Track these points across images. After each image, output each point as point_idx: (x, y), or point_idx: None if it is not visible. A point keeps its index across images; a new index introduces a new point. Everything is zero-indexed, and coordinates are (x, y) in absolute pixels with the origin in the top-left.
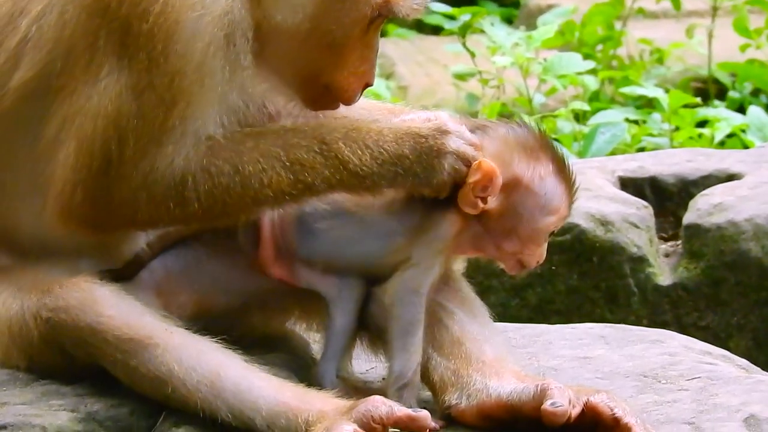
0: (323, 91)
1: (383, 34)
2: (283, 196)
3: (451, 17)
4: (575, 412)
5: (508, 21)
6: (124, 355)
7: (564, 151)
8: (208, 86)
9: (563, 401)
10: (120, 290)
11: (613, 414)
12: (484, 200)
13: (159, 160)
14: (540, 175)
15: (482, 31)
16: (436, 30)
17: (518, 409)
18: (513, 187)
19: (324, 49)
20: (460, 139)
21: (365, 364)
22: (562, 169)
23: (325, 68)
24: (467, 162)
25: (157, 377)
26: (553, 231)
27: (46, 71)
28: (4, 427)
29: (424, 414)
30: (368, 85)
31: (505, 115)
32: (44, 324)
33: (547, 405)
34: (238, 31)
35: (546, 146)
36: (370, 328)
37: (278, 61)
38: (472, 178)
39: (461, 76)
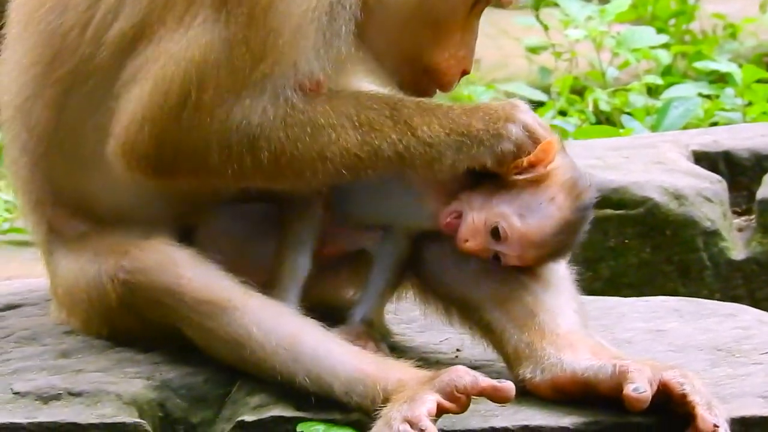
0: (422, 73)
1: None
2: (349, 157)
3: None
4: (653, 392)
5: None
6: (201, 317)
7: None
8: (302, 48)
9: (645, 386)
10: (198, 253)
11: (683, 390)
12: (521, 172)
13: (236, 110)
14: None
15: (555, 5)
16: None
17: (594, 386)
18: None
19: (428, 27)
20: (530, 114)
21: (438, 334)
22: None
23: (427, 48)
24: (534, 138)
25: (235, 340)
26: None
27: (142, 22)
28: (79, 393)
29: (509, 385)
30: (466, 72)
31: (578, 88)
32: (121, 286)
33: (629, 390)
34: (344, 0)
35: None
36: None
37: (381, 37)
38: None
39: (534, 50)
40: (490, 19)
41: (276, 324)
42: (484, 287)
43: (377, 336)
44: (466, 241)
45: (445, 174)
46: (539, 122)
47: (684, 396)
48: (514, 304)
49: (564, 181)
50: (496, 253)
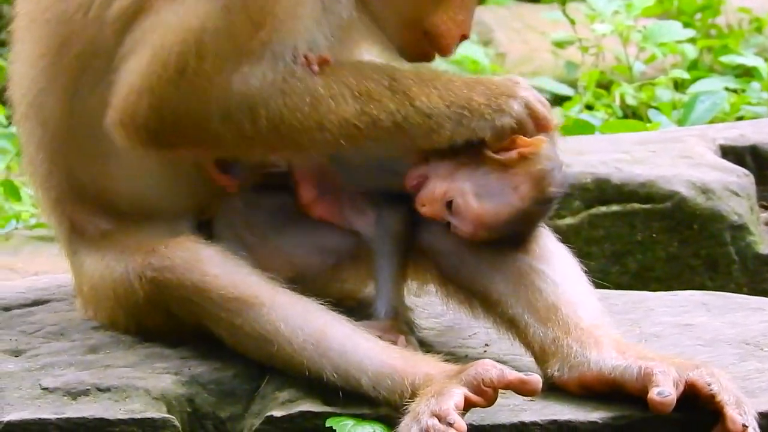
0: (422, 37)
1: (481, 2)
2: (348, 127)
3: None
4: (679, 392)
5: None
6: (228, 314)
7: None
8: (300, 15)
9: (670, 389)
10: (225, 250)
11: (710, 390)
12: (497, 151)
13: (235, 77)
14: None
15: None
16: None
17: (620, 386)
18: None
19: None
20: (531, 92)
21: (467, 329)
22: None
23: (426, 11)
24: (534, 114)
25: (262, 336)
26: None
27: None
28: (107, 389)
29: (536, 378)
30: (465, 36)
31: (604, 83)
32: (149, 284)
33: (654, 394)
34: None
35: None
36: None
37: (381, 1)
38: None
39: (560, 44)
40: (516, 13)
41: (303, 320)
42: (502, 280)
43: (405, 328)
44: (423, 205)
45: (444, 145)
46: (540, 99)
47: (712, 396)
48: (535, 297)
49: (533, 172)
50: (450, 224)
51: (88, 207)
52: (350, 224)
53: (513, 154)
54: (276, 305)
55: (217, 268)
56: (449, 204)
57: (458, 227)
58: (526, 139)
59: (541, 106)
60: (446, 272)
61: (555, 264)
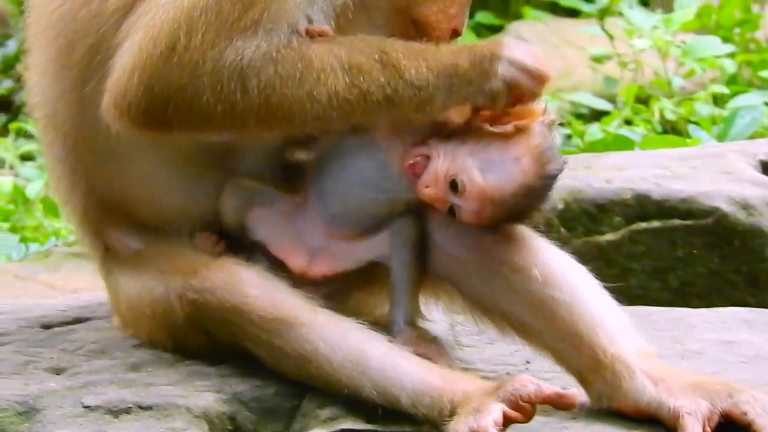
0: (410, 27)
1: (518, 17)
2: (338, 99)
3: (589, 0)
4: (713, 424)
5: (644, 3)
6: (268, 335)
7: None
8: None
9: None
10: (265, 271)
11: (747, 419)
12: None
13: (228, 51)
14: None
15: (620, 14)
16: (571, 12)
17: (656, 417)
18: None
19: None
20: (518, 49)
21: (508, 346)
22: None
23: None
24: (526, 70)
25: (302, 356)
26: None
27: None
28: (149, 407)
29: (573, 392)
30: (456, 32)
31: (643, 97)
32: (189, 305)
33: None
34: None
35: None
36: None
37: None
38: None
39: (598, 59)
40: (554, 28)
41: (342, 338)
42: (523, 309)
43: (429, 336)
44: (427, 187)
45: (437, 115)
46: (529, 52)
47: (749, 424)
48: (564, 324)
49: (533, 146)
50: (452, 207)
51: (112, 220)
52: (359, 261)
53: (509, 126)
54: (315, 325)
55: (258, 289)
56: (453, 183)
57: (463, 208)
58: (520, 109)
59: (531, 59)
60: (470, 298)
61: (571, 286)
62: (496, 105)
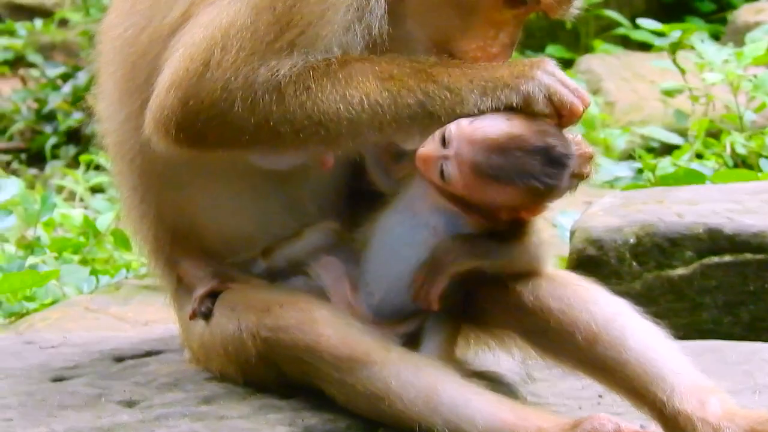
0: None
1: (589, 50)
2: (369, 103)
3: (661, 34)
4: None
5: (715, 37)
6: (340, 373)
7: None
8: (327, 19)
9: None
10: (338, 310)
11: None
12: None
13: (262, 69)
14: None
15: (691, 48)
16: (642, 46)
17: None
18: None
19: (453, 9)
20: (553, 76)
21: (580, 380)
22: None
23: (455, 35)
24: (565, 84)
25: (374, 393)
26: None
27: (189, 6)
28: None
29: (652, 430)
30: None
31: (714, 131)
32: (262, 343)
33: None
34: None
35: None
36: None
37: (413, 16)
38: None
39: (669, 93)
40: (625, 62)
41: (414, 376)
42: (582, 358)
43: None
44: (423, 147)
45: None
46: (563, 81)
47: None
48: (623, 380)
49: (531, 120)
50: (441, 169)
51: (182, 248)
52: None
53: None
54: (387, 362)
55: (330, 329)
56: (443, 136)
57: (450, 162)
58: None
59: (563, 88)
60: (533, 348)
61: (622, 339)
62: (531, 108)
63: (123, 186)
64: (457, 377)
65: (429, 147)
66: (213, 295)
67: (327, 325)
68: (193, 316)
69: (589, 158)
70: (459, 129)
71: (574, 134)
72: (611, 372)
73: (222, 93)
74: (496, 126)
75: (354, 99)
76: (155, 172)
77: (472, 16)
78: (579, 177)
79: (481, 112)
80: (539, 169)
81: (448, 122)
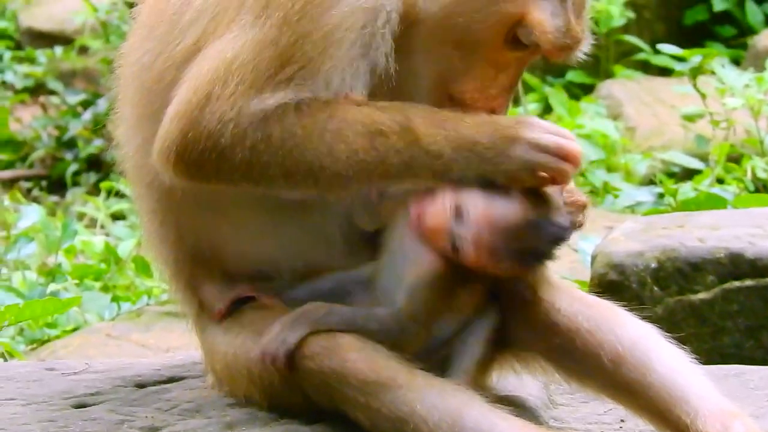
0: (447, 101)
1: (610, 75)
2: (356, 159)
3: (681, 59)
4: None
5: (735, 62)
6: (366, 397)
7: None
8: (330, 55)
9: None
10: (363, 336)
11: None
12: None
13: (255, 102)
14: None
15: (712, 73)
16: (663, 71)
17: None
18: None
19: (455, 47)
20: (541, 130)
21: (602, 405)
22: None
23: (456, 72)
24: (548, 151)
25: (399, 417)
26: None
27: (201, 36)
28: None
29: None
30: (494, 113)
31: (735, 156)
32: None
33: None
34: (382, 11)
35: None
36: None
37: (417, 54)
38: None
39: (690, 118)
40: (646, 87)
41: (440, 399)
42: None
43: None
44: (430, 218)
45: (455, 184)
46: (557, 134)
47: None
48: (646, 404)
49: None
50: (454, 242)
51: (203, 272)
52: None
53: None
54: (413, 386)
55: (356, 354)
56: (458, 210)
57: (465, 238)
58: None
59: (555, 139)
60: (558, 372)
61: (650, 352)
62: (515, 183)
63: (143, 210)
64: (482, 401)
65: (438, 218)
66: (242, 301)
67: (353, 350)
68: (220, 315)
69: (582, 207)
70: (476, 208)
71: (569, 181)
72: (635, 394)
73: (217, 125)
74: (512, 210)
75: (341, 154)
76: (174, 196)
77: (474, 55)
78: (572, 226)
79: (467, 181)
80: (549, 250)
81: (431, 183)
